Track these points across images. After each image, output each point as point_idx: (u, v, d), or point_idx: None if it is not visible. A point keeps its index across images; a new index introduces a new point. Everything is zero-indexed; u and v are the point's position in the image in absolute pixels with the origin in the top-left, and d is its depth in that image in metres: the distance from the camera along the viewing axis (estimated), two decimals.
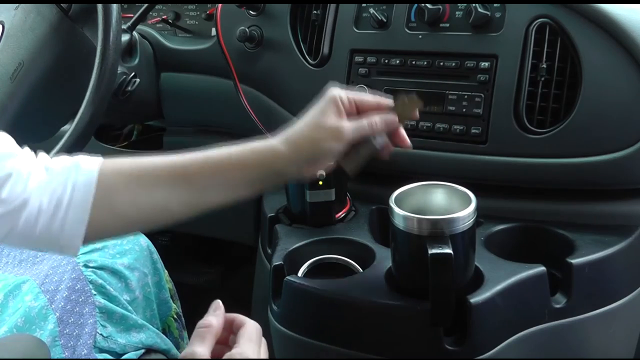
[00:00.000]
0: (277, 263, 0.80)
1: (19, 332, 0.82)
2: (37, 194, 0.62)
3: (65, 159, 0.66)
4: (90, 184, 0.63)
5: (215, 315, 0.60)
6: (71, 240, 0.64)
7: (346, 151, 0.69)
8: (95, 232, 0.65)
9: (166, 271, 1.05)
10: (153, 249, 1.02)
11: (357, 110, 0.69)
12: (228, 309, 0.61)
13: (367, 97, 0.70)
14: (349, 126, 0.67)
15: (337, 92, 0.68)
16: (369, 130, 0.69)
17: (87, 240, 0.64)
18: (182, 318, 1.10)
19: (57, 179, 0.63)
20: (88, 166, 0.65)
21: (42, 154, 0.67)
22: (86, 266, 0.90)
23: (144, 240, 1.00)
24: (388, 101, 0.71)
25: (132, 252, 0.96)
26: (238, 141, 0.67)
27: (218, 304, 0.61)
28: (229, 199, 0.68)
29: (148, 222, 0.68)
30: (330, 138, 0.67)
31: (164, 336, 0.97)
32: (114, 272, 0.92)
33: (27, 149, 0.66)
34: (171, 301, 1.05)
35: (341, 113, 0.67)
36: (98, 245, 0.93)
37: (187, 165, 0.67)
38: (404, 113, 0.71)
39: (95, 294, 0.89)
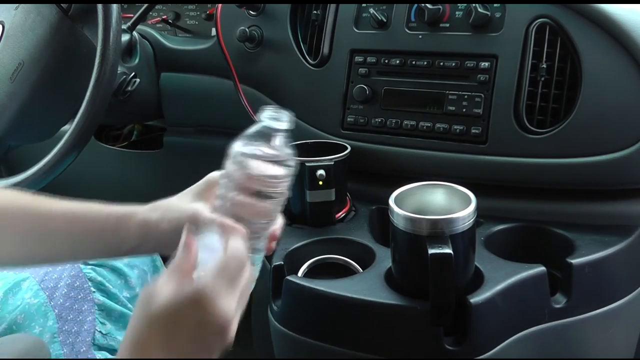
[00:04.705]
0: (277, 263, 0.80)
1: (18, 329, 0.82)
2: None
3: None
4: None
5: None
6: None
7: None
8: None
9: (165, 269, 1.05)
10: None
11: None
12: None
13: None
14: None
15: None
16: None
17: None
18: None
19: None
20: None
21: None
22: (85, 263, 0.90)
23: None
24: None
25: None
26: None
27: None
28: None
29: None
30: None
31: None
32: (114, 270, 0.92)
33: None
34: None
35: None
36: None
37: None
38: None
39: (94, 291, 0.89)
